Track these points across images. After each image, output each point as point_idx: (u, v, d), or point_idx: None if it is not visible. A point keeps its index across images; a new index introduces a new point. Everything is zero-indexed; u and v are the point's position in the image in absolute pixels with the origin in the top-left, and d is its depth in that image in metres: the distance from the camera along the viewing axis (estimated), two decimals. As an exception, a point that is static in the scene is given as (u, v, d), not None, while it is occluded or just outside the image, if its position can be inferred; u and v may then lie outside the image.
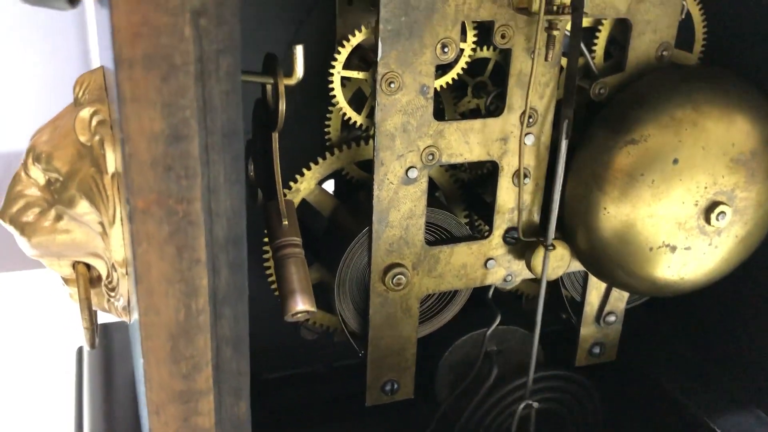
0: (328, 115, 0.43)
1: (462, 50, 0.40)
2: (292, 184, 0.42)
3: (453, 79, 0.41)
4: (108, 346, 0.58)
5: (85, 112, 0.31)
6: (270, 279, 0.44)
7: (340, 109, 0.41)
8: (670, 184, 0.40)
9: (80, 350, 0.59)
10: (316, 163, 0.42)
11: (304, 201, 0.43)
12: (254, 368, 0.50)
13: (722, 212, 0.41)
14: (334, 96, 0.40)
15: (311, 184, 0.43)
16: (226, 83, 0.24)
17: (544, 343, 0.51)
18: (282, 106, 0.32)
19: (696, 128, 0.40)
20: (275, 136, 0.34)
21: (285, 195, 0.38)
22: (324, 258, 0.45)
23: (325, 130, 0.43)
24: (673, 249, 0.42)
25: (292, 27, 0.43)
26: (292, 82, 0.32)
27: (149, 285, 0.25)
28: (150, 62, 0.22)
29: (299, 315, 0.32)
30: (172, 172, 0.23)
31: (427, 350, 0.49)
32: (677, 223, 0.41)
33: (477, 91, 0.45)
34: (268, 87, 0.33)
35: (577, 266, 0.46)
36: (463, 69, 0.41)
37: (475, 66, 0.44)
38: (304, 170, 0.42)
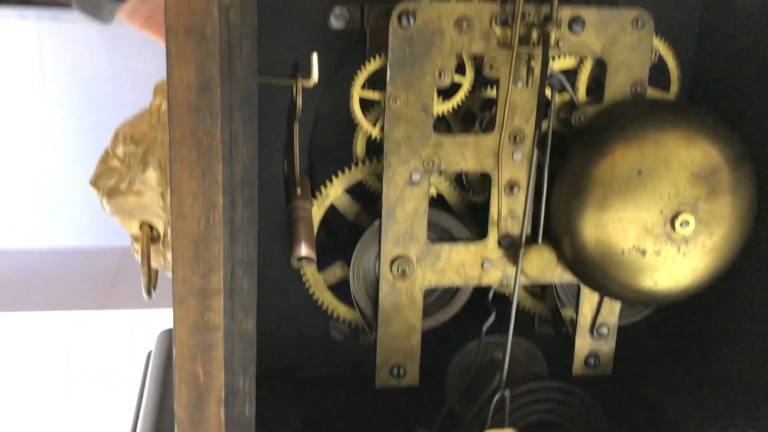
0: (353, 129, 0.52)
1: (460, 84, 0.49)
2: (322, 188, 0.52)
3: (457, 107, 0.50)
4: (170, 349, 0.67)
5: (158, 100, 0.42)
6: (308, 286, 0.53)
7: (365, 130, 0.50)
8: (635, 192, 0.47)
9: (149, 354, 0.69)
10: (342, 171, 0.52)
11: (332, 205, 0.52)
12: (289, 364, 0.59)
13: (686, 220, 0.47)
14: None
15: (338, 190, 0.52)
16: (247, 59, 0.35)
17: (545, 351, 0.56)
18: (299, 101, 0.42)
19: (658, 145, 0.47)
20: (296, 125, 0.44)
21: (308, 181, 0.47)
22: (347, 256, 0.53)
23: (350, 144, 0.52)
24: (643, 252, 0.48)
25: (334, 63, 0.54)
26: (309, 83, 0.43)
27: (180, 197, 0.34)
28: (188, 31, 0.32)
29: (303, 261, 0.41)
30: (200, 113, 0.33)
31: (441, 352, 0.56)
32: (645, 228, 0.47)
33: (484, 124, 0.53)
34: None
35: (569, 278, 0.52)
36: (462, 100, 0.50)
37: (488, 102, 0.53)
38: (333, 177, 0.52)
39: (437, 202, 0.53)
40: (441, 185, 0.53)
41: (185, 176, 0.34)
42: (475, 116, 0.54)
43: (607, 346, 0.55)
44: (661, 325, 0.63)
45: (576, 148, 0.49)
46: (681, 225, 0.47)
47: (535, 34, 0.47)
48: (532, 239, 0.50)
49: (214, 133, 0.34)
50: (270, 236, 0.55)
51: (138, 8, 0.49)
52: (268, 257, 0.57)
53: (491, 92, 0.52)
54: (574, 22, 0.48)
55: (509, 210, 0.50)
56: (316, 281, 0.53)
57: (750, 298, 0.54)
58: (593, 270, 0.49)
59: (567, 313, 0.56)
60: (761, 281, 0.54)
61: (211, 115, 0.34)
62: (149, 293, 0.46)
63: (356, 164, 0.52)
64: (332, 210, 0.53)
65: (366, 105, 0.51)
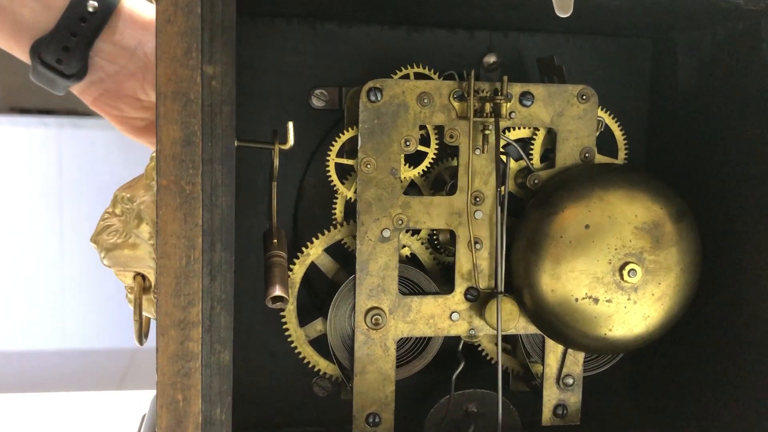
0: (335, 198, 0.58)
1: (425, 152, 0.55)
2: (304, 249, 0.57)
3: (427, 173, 0.56)
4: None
5: (152, 163, 0.47)
6: (290, 340, 0.57)
7: (343, 194, 0.56)
8: (584, 245, 0.51)
9: (143, 417, 0.72)
10: (323, 233, 0.57)
11: (312, 264, 0.57)
12: (273, 422, 0.62)
13: (633, 269, 0.51)
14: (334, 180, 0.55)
15: (318, 250, 0.57)
16: (226, 121, 0.40)
17: (516, 404, 0.59)
18: (276, 162, 0.48)
19: (602, 202, 0.52)
20: (274, 184, 0.49)
21: (282, 234, 0.52)
22: (327, 312, 0.57)
23: (332, 209, 0.58)
24: (596, 300, 0.52)
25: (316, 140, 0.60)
26: (285, 147, 0.48)
27: (164, 237, 0.39)
28: (175, 95, 0.38)
29: (277, 303, 0.45)
30: (184, 163, 0.39)
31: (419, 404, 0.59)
32: (595, 277, 0.52)
33: (448, 187, 0.59)
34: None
35: (532, 329, 0.56)
36: (428, 167, 0.55)
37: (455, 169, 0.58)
38: (313, 239, 0.57)
39: (411, 262, 0.58)
40: (414, 246, 0.58)
41: (169, 219, 0.39)
42: (445, 182, 0.59)
43: (573, 397, 0.58)
44: (634, 376, 0.66)
45: (531, 208, 0.54)
46: (629, 274, 0.51)
47: (488, 107, 0.53)
48: (495, 292, 0.54)
49: (195, 181, 0.39)
50: (259, 301, 0.60)
51: (88, 88, 0.56)
52: (256, 320, 0.61)
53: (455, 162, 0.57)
54: (524, 97, 0.54)
55: (473, 265, 0.55)
56: (298, 336, 0.57)
57: (715, 346, 0.58)
58: (552, 319, 0.53)
59: (536, 367, 0.60)
60: (723, 329, 0.57)
61: (194, 166, 0.39)
62: (140, 340, 0.50)
63: (335, 226, 0.57)
64: (314, 268, 0.57)
65: (344, 173, 0.57)
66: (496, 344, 0.53)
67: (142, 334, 0.50)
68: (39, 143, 2.06)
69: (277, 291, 0.45)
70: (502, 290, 0.54)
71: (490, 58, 0.58)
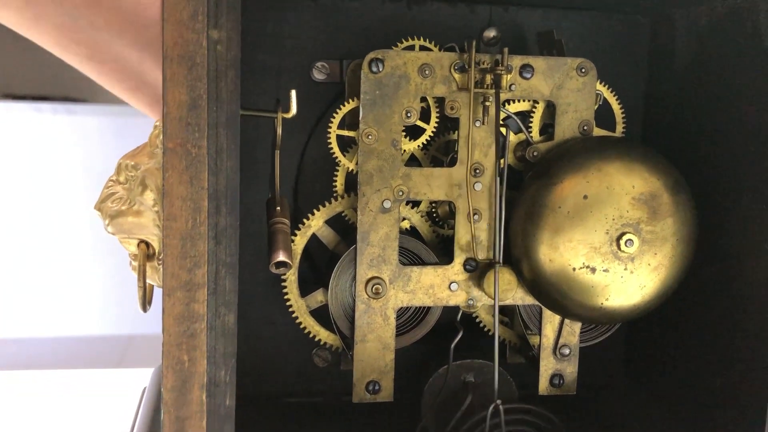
0: (336, 171, 0.58)
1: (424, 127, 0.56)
2: (305, 221, 0.57)
3: (427, 146, 0.57)
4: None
5: (156, 131, 0.48)
6: (291, 310, 0.58)
7: (344, 165, 0.56)
8: (582, 215, 0.52)
9: (143, 390, 0.73)
10: (323, 205, 0.57)
11: (313, 236, 0.58)
12: (274, 391, 0.63)
13: (630, 239, 0.52)
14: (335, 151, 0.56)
15: (319, 222, 0.57)
16: (231, 86, 0.41)
17: (514, 374, 0.60)
18: (279, 130, 0.49)
19: (600, 173, 0.52)
20: (277, 153, 0.50)
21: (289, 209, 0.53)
22: (328, 283, 0.58)
23: (333, 182, 0.58)
24: (593, 270, 0.53)
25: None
26: (288, 115, 0.49)
27: (171, 200, 0.40)
28: (181, 59, 0.39)
29: (281, 268, 0.46)
30: (190, 126, 0.39)
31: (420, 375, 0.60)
32: (593, 247, 0.52)
33: (449, 160, 0.59)
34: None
35: (530, 300, 0.57)
36: (427, 140, 0.56)
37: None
38: (315, 210, 0.57)
39: (411, 234, 0.59)
40: (414, 218, 0.59)
41: (176, 182, 0.40)
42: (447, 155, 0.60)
43: (570, 367, 0.59)
44: (630, 348, 0.67)
45: (530, 180, 0.55)
46: (626, 244, 0.52)
47: (489, 79, 0.53)
48: (493, 262, 0.55)
49: (201, 144, 0.40)
50: (260, 272, 0.61)
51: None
52: (258, 291, 0.62)
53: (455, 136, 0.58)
54: (524, 69, 0.54)
55: (472, 236, 0.55)
56: (299, 306, 0.58)
57: (706, 319, 0.59)
58: (550, 289, 0.54)
59: (533, 339, 0.60)
60: (716, 301, 0.58)
61: (199, 129, 0.40)
62: (144, 307, 0.50)
63: (336, 198, 0.58)
64: (314, 240, 0.58)
65: (345, 146, 0.57)
66: (493, 316, 0.54)
67: (146, 301, 0.50)
68: (33, 129, 2.05)
69: (281, 257, 0.46)
70: (500, 261, 0.55)
71: (490, 33, 0.59)
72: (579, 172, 0.53)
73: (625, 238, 0.52)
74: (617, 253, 0.53)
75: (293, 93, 0.49)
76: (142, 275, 0.50)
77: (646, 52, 0.65)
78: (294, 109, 0.49)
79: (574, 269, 0.53)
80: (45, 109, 2.04)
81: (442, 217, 0.60)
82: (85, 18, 0.51)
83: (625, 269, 0.53)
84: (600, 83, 0.57)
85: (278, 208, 0.48)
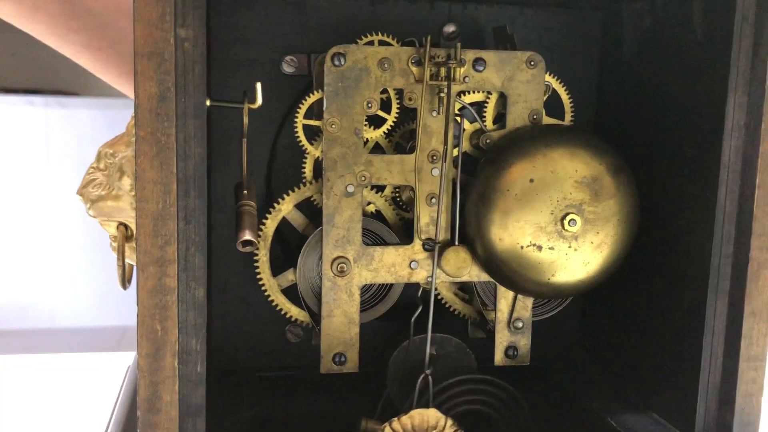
0: (305, 158, 0.63)
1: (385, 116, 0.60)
2: (275, 205, 0.61)
3: (389, 134, 0.61)
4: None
5: (132, 120, 0.52)
6: (264, 289, 0.62)
7: (312, 153, 0.61)
8: (529, 197, 0.56)
9: (127, 368, 0.77)
10: (293, 191, 0.61)
11: (284, 219, 0.62)
12: (247, 366, 0.67)
13: (573, 219, 0.56)
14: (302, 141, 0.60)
15: (289, 206, 0.62)
16: (198, 80, 0.45)
17: (473, 349, 0.65)
18: (245, 120, 0.53)
19: (546, 158, 0.57)
20: (244, 140, 0.54)
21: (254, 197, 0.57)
22: (296, 263, 0.62)
23: (302, 167, 0.62)
24: (539, 248, 0.57)
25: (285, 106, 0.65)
26: (254, 106, 0.53)
27: (143, 183, 0.44)
28: (151, 55, 0.43)
29: (247, 247, 0.50)
30: (159, 116, 0.44)
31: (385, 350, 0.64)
32: (539, 227, 0.57)
33: (408, 148, 0.63)
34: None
35: (485, 277, 0.61)
36: (389, 128, 0.60)
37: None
38: (285, 195, 0.61)
39: (376, 218, 0.63)
40: (379, 202, 0.63)
41: (147, 167, 0.44)
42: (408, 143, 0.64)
43: (523, 339, 0.63)
44: (586, 323, 0.71)
45: (483, 165, 0.59)
46: (569, 224, 0.56)
47: (443, 72, 0.57)
48: (450, 242, 0.60)
49: (170, 133, 0.44)
50: (235, 254, 0.65)
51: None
52: (233, 272, 0.66)
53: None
54: (477, 62, 0.59)
55: (430, 218, 0.60)
56: (271, 285, 0.62)
57: (655, 294, 0.63)
58: (501, 266, 0.58)
59: (490, 315, 0.65)
60: (659, 276, 0.62)
61: (168, 119, 0.44)
62: (123, 285, 0.55)
63: (305, 184, 0.62)
64: (285, 223, 0.62)
65: (313, 134, 0.61)
66: (430, 292, 0.58)
67: (125, 279, 0.54)
68: (26, 122, 2.08)
69: (247, 235, 0.50)
70: (456, 241, 0.59)
71: (449, 28, 0.63)
72: (526, 158, 0.57)
73: (568, 218, 0.56)
74: (561, 232, 0.57)
75: (259, 85, 0.53)
76: (122, 255, 0.54)
77: (598, 45, 0.70)
78: (260, 100, 0.53)
79: (522, 247, 0.57)
80: (37, 102, 2.07)
81: (405, 201, 0.64)
82: (82, 3, 0.55)
83: (569, 247, 0.57)
84: (549, 75, 0.61)
85: (245, 191, 0.52)
